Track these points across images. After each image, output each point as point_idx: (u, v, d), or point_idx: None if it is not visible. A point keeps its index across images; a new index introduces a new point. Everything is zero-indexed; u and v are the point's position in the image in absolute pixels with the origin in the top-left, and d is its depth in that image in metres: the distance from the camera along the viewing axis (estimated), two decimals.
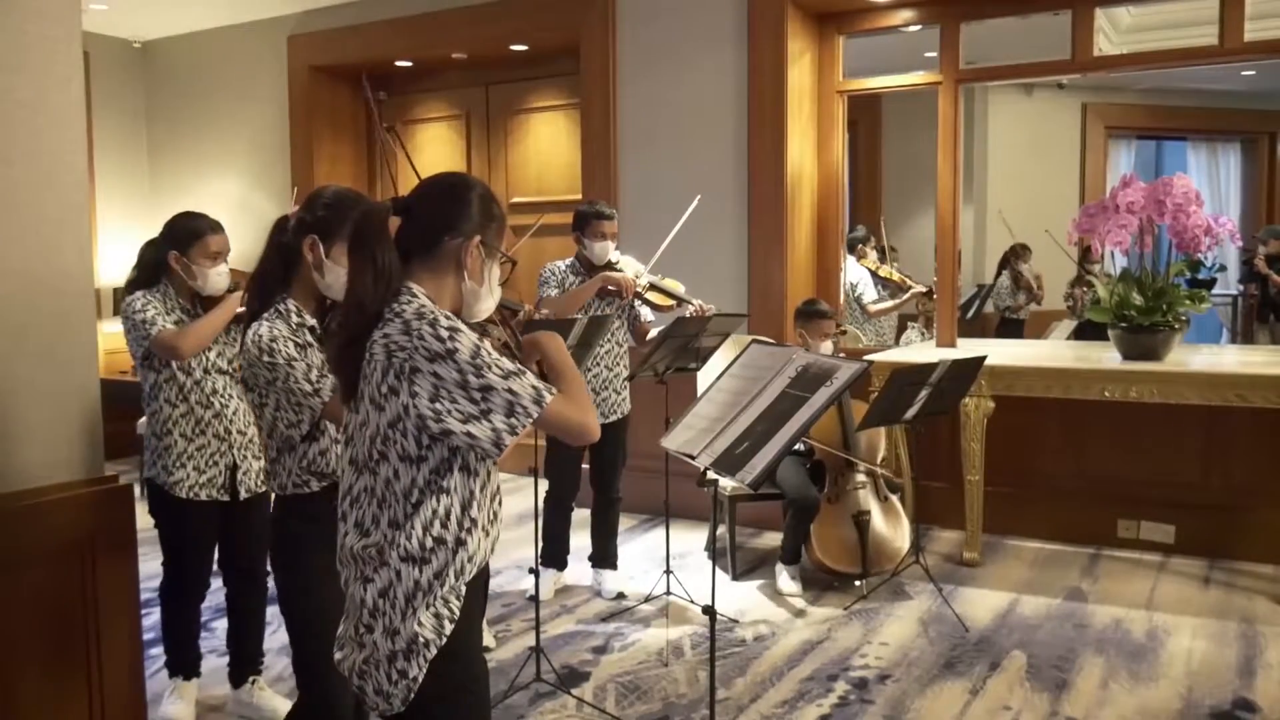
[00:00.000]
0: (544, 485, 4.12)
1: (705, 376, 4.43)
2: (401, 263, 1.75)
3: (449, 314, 1.71)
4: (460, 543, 1.71)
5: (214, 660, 3.51)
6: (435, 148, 6.84)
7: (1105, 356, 4.66)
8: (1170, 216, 4.41)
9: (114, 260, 7.09)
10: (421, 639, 1.68)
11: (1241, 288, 7.32)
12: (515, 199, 6.55)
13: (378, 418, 1.68)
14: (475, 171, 6.67)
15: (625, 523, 5.34)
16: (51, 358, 2.39)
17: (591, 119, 5.71)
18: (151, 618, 3.49)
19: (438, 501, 1.69)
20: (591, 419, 1.75)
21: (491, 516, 1.79)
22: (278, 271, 2.36)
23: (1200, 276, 4.97)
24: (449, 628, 1.70)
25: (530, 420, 1.65)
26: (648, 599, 4.27)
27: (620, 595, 4.33)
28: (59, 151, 2.40)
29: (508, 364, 1.66)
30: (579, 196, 5.66)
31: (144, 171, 7.52)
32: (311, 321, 2.32)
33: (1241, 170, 8.27)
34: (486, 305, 1.84)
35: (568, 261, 4.25)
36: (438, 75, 6.73)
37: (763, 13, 5.20)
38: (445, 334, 1.63)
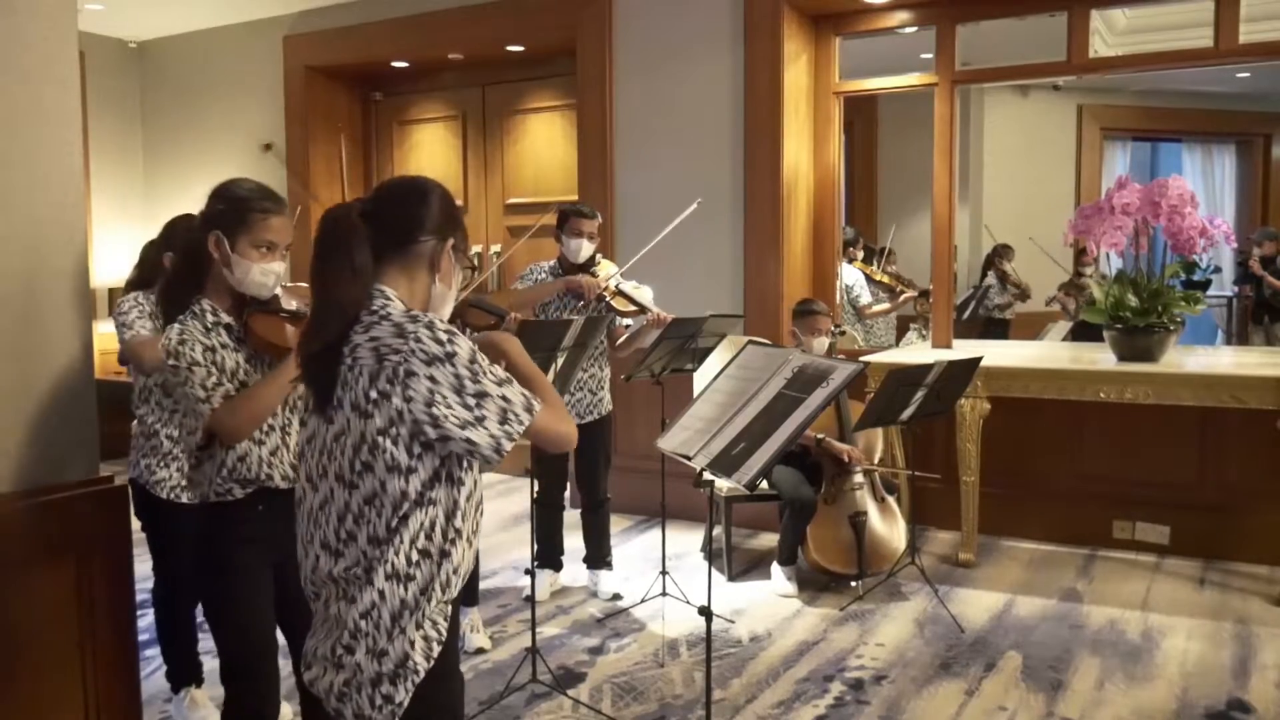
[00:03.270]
0: (534, 486, 4.12)
1: (701, 378, 4.43)
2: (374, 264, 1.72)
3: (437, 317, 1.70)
4: (445, 554, 1.67)
5: (210, 661, 3.50)
6: (431, 148, 6.84)
7: (1101, 358, 4.66)
8: (1165, 218, 4.42)
9: (109, 260, 7.08)
10: (411, 662, 1.64)
11: (1236, 289, 7.33)
12: (511, 200, 6.55)
13: (363, 425, 1.62)
14: (472, 172, 6.68)
15: (621, 523, 5.35)
16: (46, 358, 2.39)
17: (588, 120, 5.71)
18: (146, 618, 3.48)
19: (424, 514, 1.64)
20: (571, 428, 1.75)
21: (475, 527, 1.75)
22: (187, 273, 2.34)
23: (1195, 278, 4.98)
24: (436, 650, 1.67)
25: (522, 428, 1.64)
26: (644, 600, 4.27)
27: (616, 596, 4.33)
28: (54, 152, 2.40)
29: (500, 371, 1.65)
30: (575, 197, 5.66)
31: (139, 171, 7.51)
32: (228, 320, 2.30)
33: (1236, 172, 8.28)
34: (448, 309, 1.83)
35: (550, 263, 4.26)
36: (434, 76, 6.73)
37: (759, 14, 5.20)
38: (444, 337, 1.61)
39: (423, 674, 1.64)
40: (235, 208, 2.27)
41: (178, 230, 3.10)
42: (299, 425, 2.34)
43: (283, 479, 2.31)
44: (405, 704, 1.64)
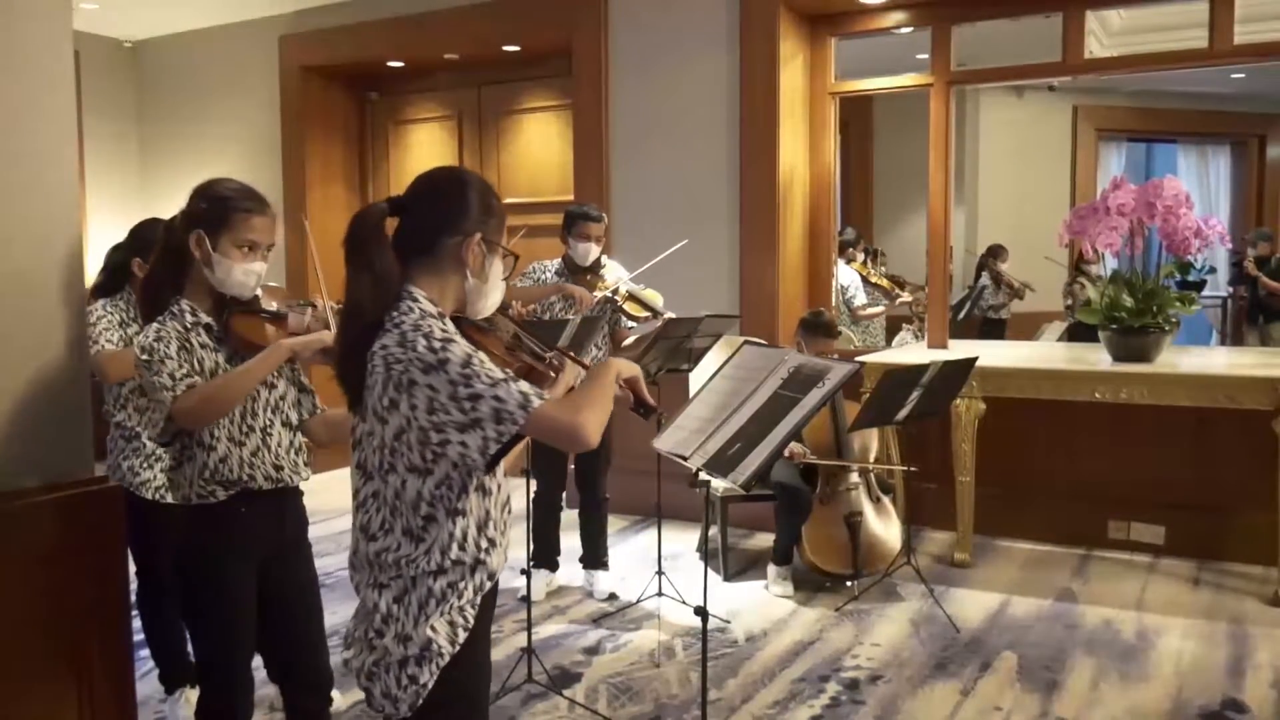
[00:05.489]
0: (532, 485, 4.12)
1: (697, 378, 4.42)
2: (401, 264, 1.73)
3: (446, 324, 1.71)
4: (479, 563, 1.73)
5: None
6: (427, 148, 6.84)
7: (1096, 358, 4.67)
8: (1160, 219, 4.43)
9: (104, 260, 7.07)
10: (435, 645, 1.69)
11: (1231, 289, 7.35)
12: (507, 200, 6.54)
13: (382, 430, 1.68)
14: None
15: (617, 524, 5.34)
16: (41, 358, 2.38)
17: (583, 120, 5.71)
18: (135, 621, 3.47)
19: (454, 524, 1.70)
20: (586, 420, 1.64)
21: (504, 528, 1.80)
22: (167, 274, 2.31)
23: (1190, 278, 5.00)
24: (463, 636, 1.71)
25: (517, 426, 1.61)
26: (639, 600, 4.27)
27: (612, 596, 4.33)
28: (49, 152, 2.39)
29: (496, 372, 1.64)
30: (571, 198, 5.66)
31: (134, 172, 7.49)
32: (207, 320, 2.28)
33: (1231, 172, 8.31)
34: (491, 301, 1.83)
35: (556, 263, 4.27)
36: (430, 76, 6.72)
37: (755, 15, 5.21)
38: (438, 345, 1.62)
39: (448, 658, 1.69)
40: (217, 206, 2.24)
41: (144, 234, 3.09)
42: (281, 427, 2.33)
43: (265, 480, 2.29)
44: (429, 685, 1.69)
